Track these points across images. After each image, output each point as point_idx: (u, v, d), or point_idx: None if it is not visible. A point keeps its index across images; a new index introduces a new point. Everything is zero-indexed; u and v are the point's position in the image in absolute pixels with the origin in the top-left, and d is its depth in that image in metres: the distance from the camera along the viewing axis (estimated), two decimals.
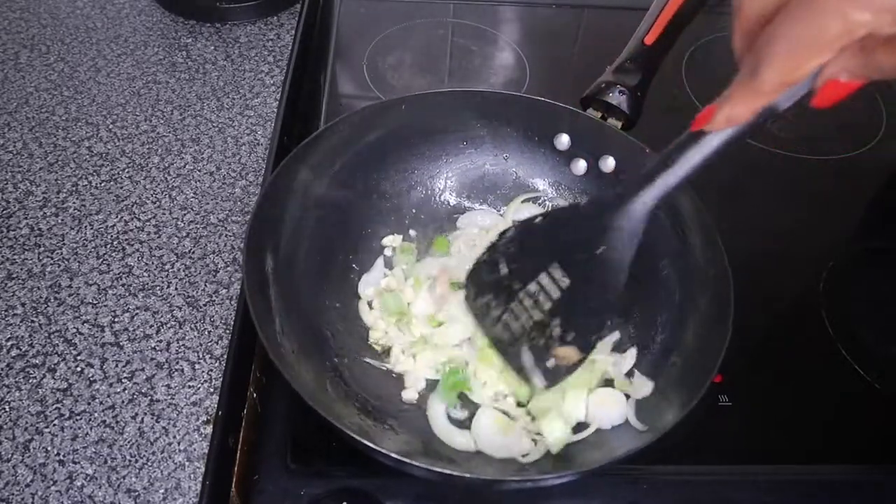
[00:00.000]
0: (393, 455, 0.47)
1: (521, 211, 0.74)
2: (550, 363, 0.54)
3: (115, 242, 0.76)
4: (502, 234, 0.57)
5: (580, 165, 0.73)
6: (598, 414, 0.59)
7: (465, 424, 0.59)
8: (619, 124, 0.70)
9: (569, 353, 0.53)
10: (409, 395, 0.61)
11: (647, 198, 0.49)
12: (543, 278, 0.55)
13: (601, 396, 0.60)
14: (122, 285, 0.72)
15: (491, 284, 0.57)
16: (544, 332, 0.54)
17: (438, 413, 0.60)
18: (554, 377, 0.54)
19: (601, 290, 0.53)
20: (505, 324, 0.56)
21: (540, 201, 0.75)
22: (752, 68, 0.38)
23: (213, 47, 1.00)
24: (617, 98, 0.69)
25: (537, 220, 0.56)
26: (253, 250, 0.58)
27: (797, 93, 0.40)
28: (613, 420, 0.58)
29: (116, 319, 0.69)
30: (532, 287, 0.55)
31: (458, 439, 0.57)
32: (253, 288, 0.55)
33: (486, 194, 0.76)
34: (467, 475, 0.49)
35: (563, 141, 0.72)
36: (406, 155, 0.73)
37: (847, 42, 0.35)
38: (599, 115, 0.71)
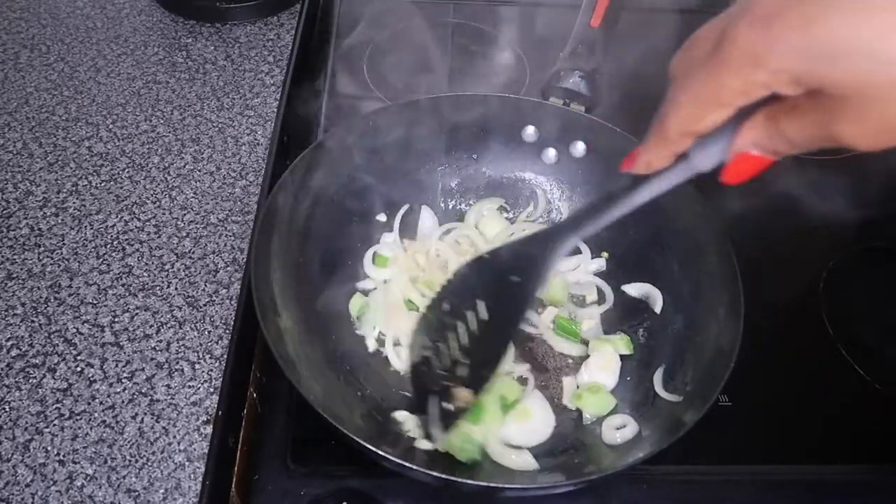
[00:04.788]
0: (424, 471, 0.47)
1: (487, 220, 0.73)
2: (450, 406, 0.53)
3: (115, 242, 0.76)
4: (455, 272, 0.56)
5: (550, 154, 0.73)
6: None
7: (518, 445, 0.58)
8: (583, 108, 0.70)
9: (465, 395, 0.53)
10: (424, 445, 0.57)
11: (575, 237, 0.50)
12: (470, 316, 0.54)
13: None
14: (122, 285, 0.72)
15: (433, 323, 0.55)
16: (454, 373, 0.53)
17: (493, 440, 0.57)
18: (447, 423, 0.53)
19: (506, 324, 0.53)
20: (428, 362, 0.54)
21: (508, 212, 0.74)
22: (663, 117, 0.39)
23: (213, 47, 1.00)
24: (576, 83, 0.70)
25: (484, 256, 0.55)
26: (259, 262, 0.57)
27: (714, 157, 0.40)
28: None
29: (116, 319, 0.69)
30: (460, 326, 0.54)
31: (516, 459, 0.56)
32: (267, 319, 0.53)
33: (463, 197, 0.75)
34: (470, 482, 0.49)
35: (530, 133, 0.72)
36: (376, 172, 0.71)
37: (745, 101, 0.36)
38: (562, 102, 0.71)
